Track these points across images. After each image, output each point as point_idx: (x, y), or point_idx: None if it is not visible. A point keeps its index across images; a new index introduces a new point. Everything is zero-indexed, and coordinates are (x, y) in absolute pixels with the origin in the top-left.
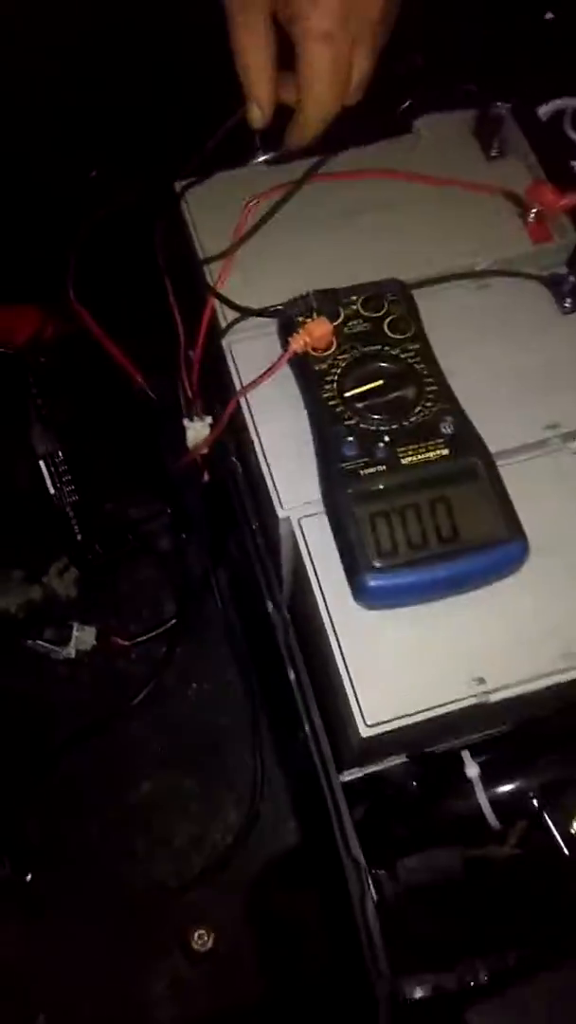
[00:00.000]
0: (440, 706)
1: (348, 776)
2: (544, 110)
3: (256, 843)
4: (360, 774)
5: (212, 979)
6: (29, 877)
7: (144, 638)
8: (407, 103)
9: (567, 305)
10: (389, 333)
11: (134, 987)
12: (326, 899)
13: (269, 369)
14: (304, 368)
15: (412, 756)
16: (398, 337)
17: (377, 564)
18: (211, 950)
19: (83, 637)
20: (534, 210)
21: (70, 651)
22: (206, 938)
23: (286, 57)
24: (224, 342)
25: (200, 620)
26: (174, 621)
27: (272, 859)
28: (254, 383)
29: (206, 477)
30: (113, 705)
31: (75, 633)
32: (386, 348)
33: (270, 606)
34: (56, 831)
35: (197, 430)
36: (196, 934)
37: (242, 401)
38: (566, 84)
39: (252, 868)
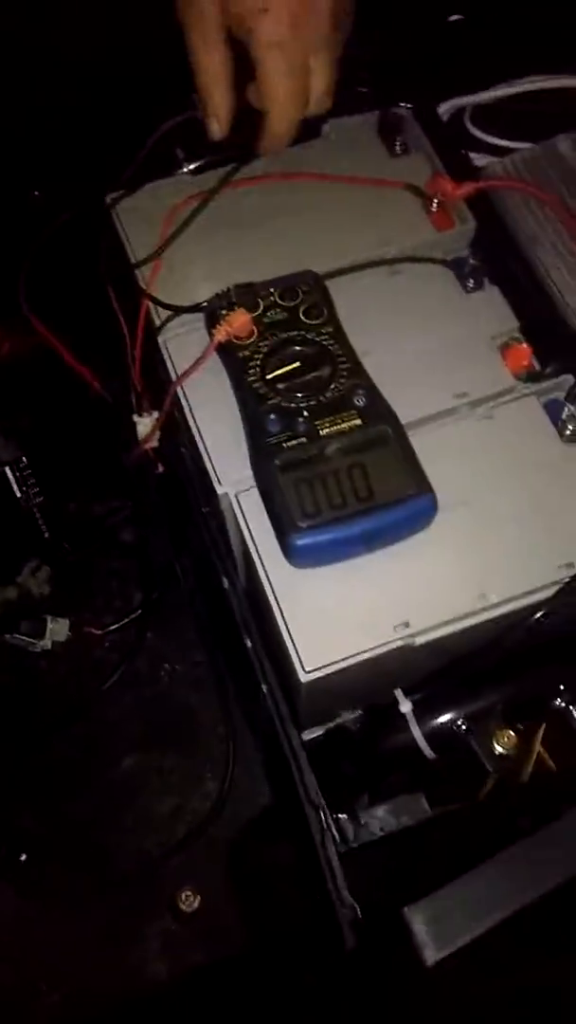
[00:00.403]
0: (371, 649)
1: (308, 735)
2: (444, 107)
3: (232, 807)
4: (320, 731)
5: (201, 936)
6: (24, 857)
7: (115, 627)
8: None
9: (470, 285)
10: (304, 320)
11: (129, 949)
12: (298, 850)
13: (199, 359)
14: (230, 356)
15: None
16: (313, 323)
17: (302, 524)
18: (197, 909)
19: (57, 629)
20: (436, 200)
21: (46, 643)
22: (192, 899)
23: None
24: (160, 339)
25: (167, 606)
26: (140, 611)
27: (248, 820)
28: (187, 372)
29: (160, 469)
30: (91, 691)
31: (49, 625)
32: (302, 333)
33: (225, 582)
34: (46, 811)
35: (146, 425)
36: (183, 895)
37: (178, 390)
38: (468, 82)
39: (230, 830)
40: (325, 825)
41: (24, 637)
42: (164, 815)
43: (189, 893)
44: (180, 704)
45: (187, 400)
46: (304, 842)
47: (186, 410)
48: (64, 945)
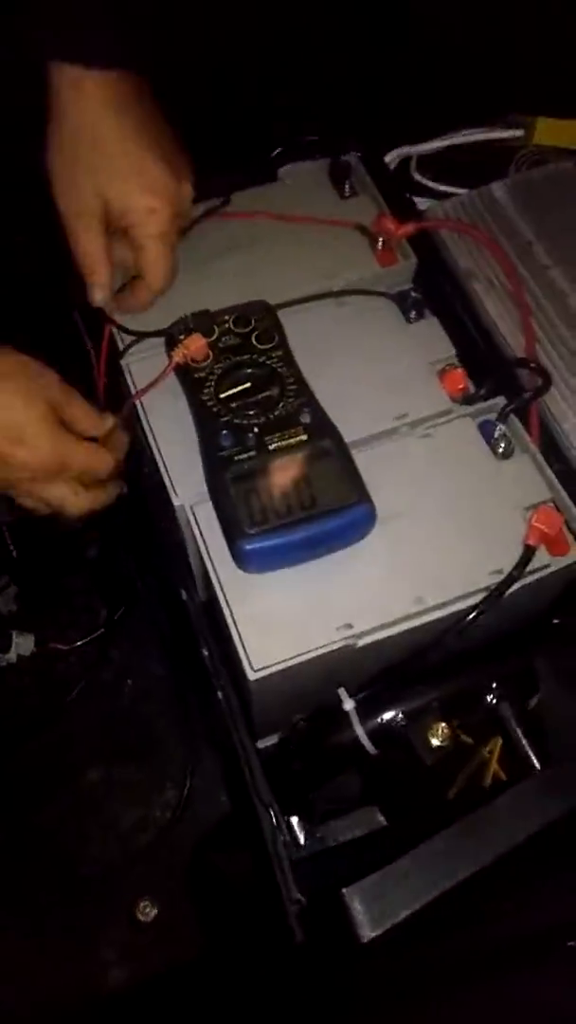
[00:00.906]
0: (315, 649)
1: (262, 744)
2: (391, 156)
3: (192, 816)
4: (273, 740)
5: (158, 945)
6: None
7: (80, 643)
8: (272, 154)
9: (412, 316)
10: (256, 344)
11: (87, 956)
12: (253, 853)
13: (158, 377)
14: (187, 377)
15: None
16: (264, 347)
17: (250, 531)
18: (155, 918)
19: (23, 643)
20: (381, 239)
21: (11, 656)
22: (150, 909)
23: None
24: (123, 362)
25: (131, 622)
26: (103, 629)
27: (207, 828)
28: (147, 388)
29: (124, 489)
30: (56, 704)
31: (15, 639)
32: (254, 357)
33: (183, 594)
34: (10, 821)
35: None
36: (141, 905)
37: (139, 410)
38: (413, 133)
39: (190, 839)
40: (275, 823)
41: None
42: (127, 824)
43: (147, 903)
44: (142, 717)
45: (147, 420)
46: (257, 842)
47: (146, 429)
48: (25, 951)
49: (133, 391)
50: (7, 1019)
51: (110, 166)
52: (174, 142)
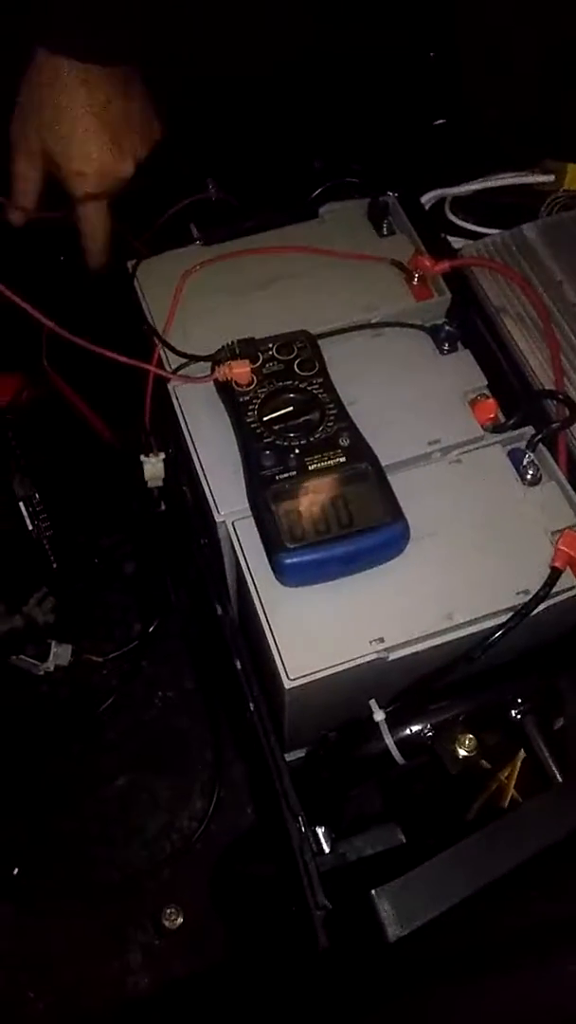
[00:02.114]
0: (348, 661)
1: (291, 757)
2: (427, 197)
3: (219, 826)
4: (301, 754)
5: (182, 951)
6: (16, 871)
7: (114, 655)
8: (314, 194)
9: (445, 348)
10: (298, 371)
11: (113, 961)
12: (279, 861)
13: (200, 378)
14: (232, 400)
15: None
16: (305, 374)
17: (290, 546)
18: (181, 925)
19: (60, 653)
20: (417, 275)
21: (49, 666)
22: (176, 915)
23: None
24: (170, 386)
25: (164, 636)
26: (137, 642)
27: (233, 840)
28: (185, 379)
29: (162, 507)
30: (89, 714)
31: (53, 650)
32: (296, 383)
33: (218, 609)
34: (41, 827)
35: (152, 464)
36: (167, 911)
37: (183, 428)
38: (448, 176)
39: (216, 848)
40: (303, 832)
41: (28, 659)
42: (153, 832)
43: (172, 910)
44: (172, 728)
45: (192, 440)
46: (283, 850)
47: (190, 448)
48: (51, 956)
49: (180, 415)
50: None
51: (60, 129)
52: (142, 128)
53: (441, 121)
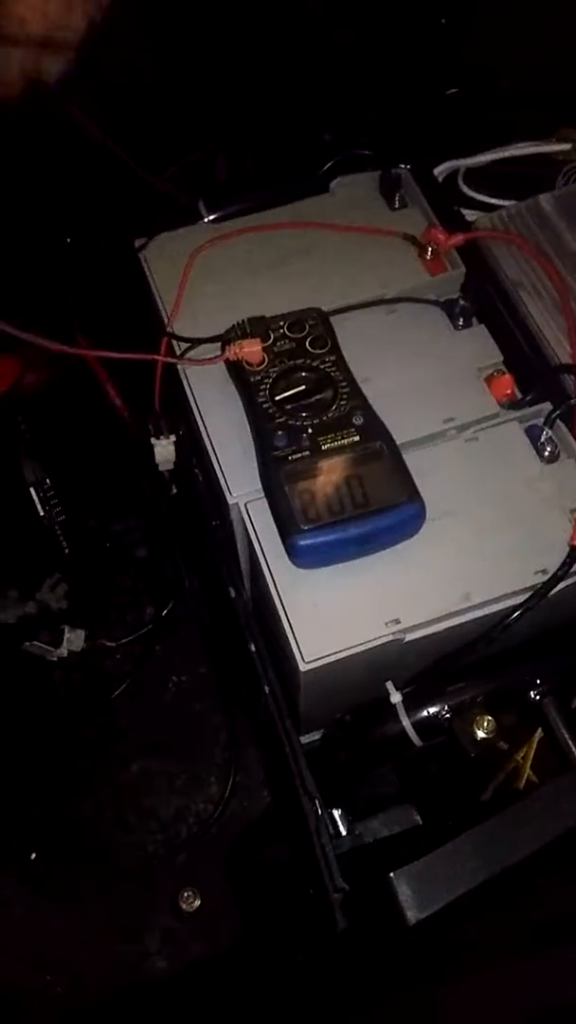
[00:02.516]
0: (364, 643)
1: (305, 740)
2: (440, 169)
3: (233, 810)
4: (316, 736)
5: (200, 933)
6: (33, 856)
7: (127, 639)
8: (324, 168)
9: (460, 323)
10: (310, 349)
11: (130, 945)
12: (294, 844)
13: (210, 359)
14: (243, 380)
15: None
16: (318, 352)
17: (304, 527)
18: (198, 908)
19: (73, 639)
20: (430, 249)
21: (63, 651)
22: (193, 898)
23: None
24: (180, 367)
25: (176, 620)
26: (150, 626)
27: (248, 822)
28: (196, 361)
29: (174, 490)
30: (103, 699)
31: (66, 635)
32: (308, 361)
33: (232, 592)
34: (56, 812)
35: (163, 447)
36: (184, 894)
37: (194, 410)
38: (461, 147)
39: (231, 832)
40: (320, 815)
41: (42, 645)
42: (168, 817)
43: (190, 893)
44: (186, 712)
45: (203, 421)
46: (300, 833)
47: (201, 430)
48: (69, 939)
49: (190, 396)
50: (52, 1008)
51: None
52: None
53: (453, 90)
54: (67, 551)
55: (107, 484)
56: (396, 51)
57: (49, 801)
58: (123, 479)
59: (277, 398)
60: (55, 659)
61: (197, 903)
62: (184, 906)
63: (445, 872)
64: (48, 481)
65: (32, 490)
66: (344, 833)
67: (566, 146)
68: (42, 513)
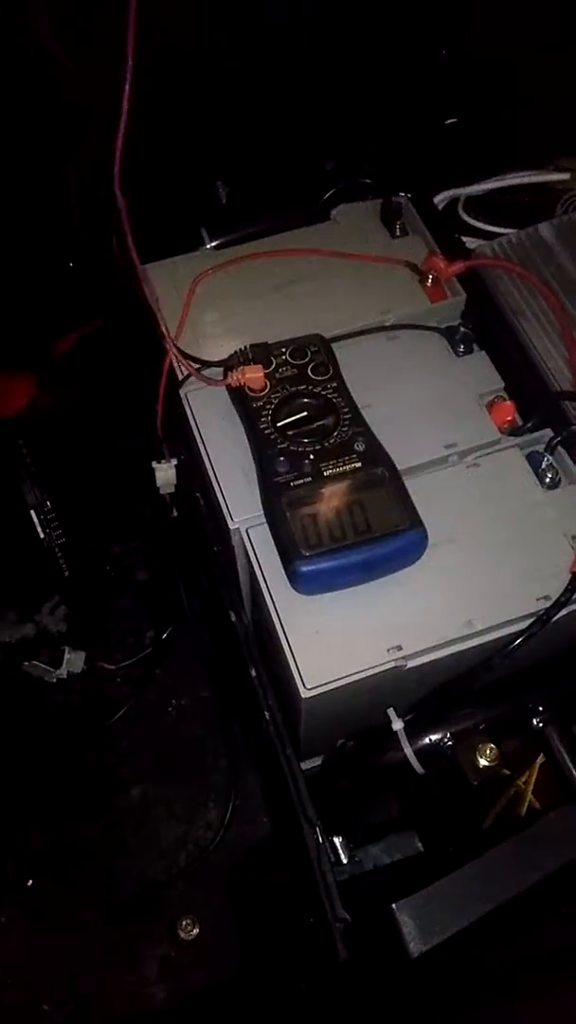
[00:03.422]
0: (365, 670)
1: (306, 766)
2: (440, 197)
3: (234, 836)
4: (317, 762)
5: (199, 962)
6: (31, 883)
7: (127, 663)
8: (326, 196)
9: (461, 350)
10: (312, 376)
11: (128, 974)
12: (295, 871)
13: (212, 383)
14: (245, 406)
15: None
16: (319, 379)
17: (306, 553)
18: (197, 937)
19: (74, 660)
20: (431, 276)
21: (62, 672)
22: (192, 926)
23: None
24: (182, 392)
25: (177, 643)
26: (150, 649)
27: (248, 848)
28: (194, 375)
29: (174, 514)
30: (103, 722)
31: (67, 656)
32: (310, 387)
33: (232, 616)
34: (55, 836)
35: (164, 471)
36: (183, 923)
37: (196, 434)
38: (461, 175)
39: (231, 858)
40: (320, 842)
41: (42, 664)
42: (168, 842)
43: (189, 921)
44: (186, 736)
45: (204, 446)
46: (300, 861)
47: (203, 455)
48: (67, 967)
49: (192, 421)
50: None
51: None
52: None
53: (453, 120)
54: (67, 574)
55: (108, 507)
56: (398, 81)
57: (48, 826)
58: (124, 502)
59: (279, 424)
60: (54, 680)
61: (196, 931)
62: (183, 934)
63: (448, 903)
64: (49, 503)
65: (32, 512)
66: (345, 861)
67: (564, 175)
68: (42, 535)
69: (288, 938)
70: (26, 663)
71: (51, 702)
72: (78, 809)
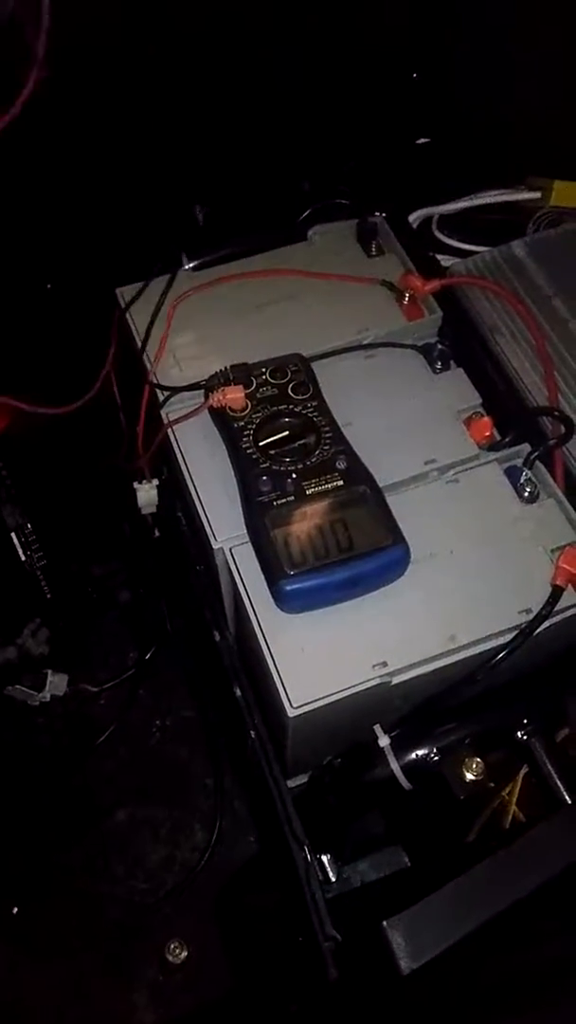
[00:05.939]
0: (351, 687)
1: (293, 783)
2: (415, 216)
3: (221, 858)
4: (304, 779)
5: (188, 986)
6: (16, 910)
7: (110, 684)
8: (303, 216)
9: (438, 367)
10: (293, 395)
11: (116, 999)
12: (283, 891)
13: (194, 411)
14: (227, 426)
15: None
16: (300, 398)
17: (290, 572)
18: (185, 960)
19: (57, 683)
20: (407, 295)
21: (45, 695)
22: (180, 949)
23: None
24: (163, 412)
25: (160, 664)
26: (133, 670)
27: (235, 870)
28: (182, 419)
29: (156, 534)
30: (86, 744)
31: (50, 679)
32: (291, 407)
33: (217, 636)
34: (40, 863)
35: (146, 491)
36: (171, 946)
37: (178, 455)
38: (435, 194)
39: (218, 880)
40: (308, 861)
41: (24, 688)
42: (154, 865)
43: (177, 944)
44: (171, 758)
45: (187, 466)
46: (289, 880)
47: (185, 475)
48: (55, 995)
49: (174, 442)
50: None
51: None
52: None
53: (425, 140)
54: (49, 596)
55: (89, 528)
56: (371, 103)
57: (33, 852)
58: (105, 523)
59: (261, 444)
60: (37, 703)
61: (184, 954)
62: (171, 958)
63: (438, 919)
64: (29, 526)
65: (13, 535)
66: (333, 879)
67: (535, 194)
68: (23, 558)
69: (278, 959)
70: (9, 687)
71: (34, 725)
72: (63, 833)
